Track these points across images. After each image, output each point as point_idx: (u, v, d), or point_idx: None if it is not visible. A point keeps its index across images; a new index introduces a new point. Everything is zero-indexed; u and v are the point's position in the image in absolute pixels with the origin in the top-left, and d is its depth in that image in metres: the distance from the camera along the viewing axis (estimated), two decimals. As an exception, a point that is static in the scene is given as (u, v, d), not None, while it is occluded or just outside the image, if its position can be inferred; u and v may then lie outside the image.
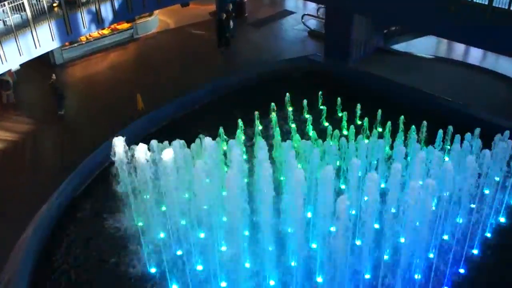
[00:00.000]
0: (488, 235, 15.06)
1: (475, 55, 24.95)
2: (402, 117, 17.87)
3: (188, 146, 15.46)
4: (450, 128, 16.88)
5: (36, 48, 19.20)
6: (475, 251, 14.49)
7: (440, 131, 16.55)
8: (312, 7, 31.22)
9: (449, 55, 25.33)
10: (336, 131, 17.50)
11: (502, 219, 15.60)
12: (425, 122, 17.46)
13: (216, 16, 28.13)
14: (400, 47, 25.80)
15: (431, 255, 13.47)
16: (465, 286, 13.74)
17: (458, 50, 25.63)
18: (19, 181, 17.65)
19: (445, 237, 14.32)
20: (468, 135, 15.60)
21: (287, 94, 20.89)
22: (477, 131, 15.93)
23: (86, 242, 15.94)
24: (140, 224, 15.57)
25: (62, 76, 24.91)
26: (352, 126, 18.48)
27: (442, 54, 25.43)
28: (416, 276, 12.97)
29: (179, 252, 14.63)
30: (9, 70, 21.16)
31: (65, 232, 16.32)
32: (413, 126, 16.98)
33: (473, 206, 14.12)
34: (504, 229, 15.41)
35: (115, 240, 15.79)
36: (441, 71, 23.51)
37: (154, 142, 14.01)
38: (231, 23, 27.30)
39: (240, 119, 19.03)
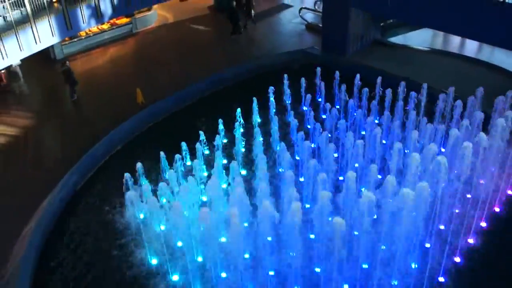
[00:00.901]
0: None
1: (471, 47, 25.05)
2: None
3: (188, 141, 15.97)
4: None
5: (36, 43, 19.36)
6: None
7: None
8: (309, 0, 31.51)
9: (445, 48, 25.45)
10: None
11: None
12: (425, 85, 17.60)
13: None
14: (397, 39, 25.94)
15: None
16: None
17: (454, 42, 25.75)
18: (22, 174, 17.87)
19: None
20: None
21: (288, 87, 20.85)
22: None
23: (88, 234, 16.02)
24: (142, 216, 15.58)
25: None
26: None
27: (438, 46, 25.57)
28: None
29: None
30: (10, 66, 21.38)
31: (67, 224, 16.40)
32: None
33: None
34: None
35: (117, 232, 15.83)
36: (437, 63, 23.55)
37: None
38: (252, 12, 28.24)
39: (240, 110, 18.89)
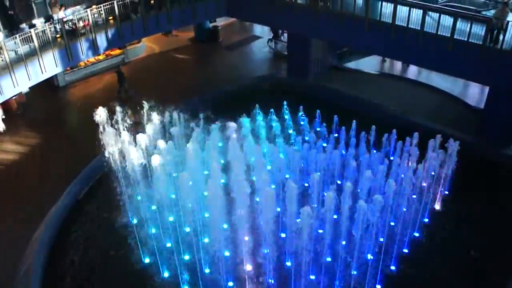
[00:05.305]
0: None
1: (412, 71, 25.92)
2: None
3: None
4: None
5: (42, 73, 19.51)
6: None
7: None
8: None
9: (390, 71, 26.31)
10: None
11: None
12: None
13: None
14: (351, 65, 26.66)
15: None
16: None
17: (398, 67, 26.59)
18: (31, 186, 17.92)
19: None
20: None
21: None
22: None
23: (90, 237, 16.23)
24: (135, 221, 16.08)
25: (65, 96, 25.11)
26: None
27: (385, 70, 26.44)
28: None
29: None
30: (20, 93, 21.33)
31: (72, 229, 16.57)
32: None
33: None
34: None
35: (115, 235, 16.08)
36: (384, 84, 24.39)
37: None
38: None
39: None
